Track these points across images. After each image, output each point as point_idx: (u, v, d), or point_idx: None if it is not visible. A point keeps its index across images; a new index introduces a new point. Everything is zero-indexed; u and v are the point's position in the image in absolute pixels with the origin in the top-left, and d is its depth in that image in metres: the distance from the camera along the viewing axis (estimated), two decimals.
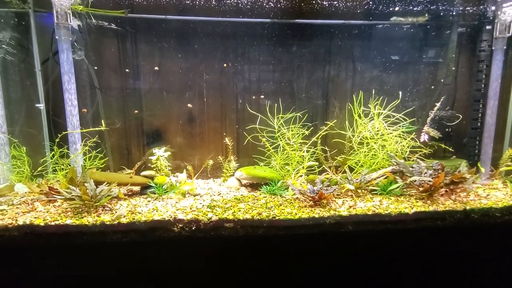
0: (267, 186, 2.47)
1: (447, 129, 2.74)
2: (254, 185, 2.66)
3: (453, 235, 2.20)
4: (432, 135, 2.64)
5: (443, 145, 2.73)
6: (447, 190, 2.33)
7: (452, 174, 2.31)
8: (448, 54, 2.81)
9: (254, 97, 2.90)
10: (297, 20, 2.77)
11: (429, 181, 2.25)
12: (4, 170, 2.44)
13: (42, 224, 1.89)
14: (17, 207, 2.11)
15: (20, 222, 1.88)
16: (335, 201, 2.27)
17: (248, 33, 2.81)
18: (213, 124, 2.96)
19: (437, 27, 2.82)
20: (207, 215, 2.00)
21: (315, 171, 2.76)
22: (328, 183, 2.32)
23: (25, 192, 2.32)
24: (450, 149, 2.72)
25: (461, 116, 2.77)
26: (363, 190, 2.40)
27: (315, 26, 2.82)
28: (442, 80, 2.85)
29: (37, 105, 2.60)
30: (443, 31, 2.83)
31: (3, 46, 2.53)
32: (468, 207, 2.17)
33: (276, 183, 2.48)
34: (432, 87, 2.89)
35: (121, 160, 2.91)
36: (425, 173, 2.35)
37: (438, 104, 2.63)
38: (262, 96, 2.84)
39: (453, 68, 2.85)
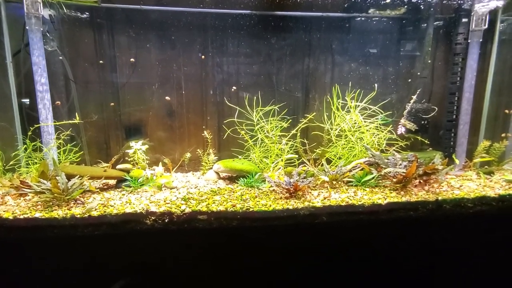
0: (245, 179, 2.47)
1: (423, 122, 2.78)
2: (233, 178, 2.66)
3: (426, 225, 2.25)
4: (409, 127, 2.68)
5: (419, 138, 2.77)
6: (421, 181, 2.37)
7: (425, 165, 2.34)
8: (425, 47, 2.84)
9: (233, 89, 2.88)
10: (276, 12, 2.75)
11: (403, 172, 2.28)
12: None
13: (11, 217, 1.86)
14: None
15: None
16: (310, 192, 2.29)
17: (227, 25, 2.78)
18: (192, 117, 2.93)
19: (414, 20, 2.84)
20: (180, 207, 1.99)
21: (295, 163, 2.77)
22: (305, 175, 2.33)
23: None
24: (426, 142, 2.77)
25: (436, 109, 2.81)
26: (339, 182, 2.42)
27: (294, 18, 2.81)
28: (418, 73, 2.89)
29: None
30: (420, 24, 2.86)
31: None
32: (440, 198, 2.21)
33: (253, 175, 2.48)
34: (409, 80, 2.92)
35: (99, 154, 2.87)
36: (400, 164, 2.38)
37: (414, 97, 2.66)
38: (234, 88, 2.81)
39: (430, 61, 2.88)
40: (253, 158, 2.75)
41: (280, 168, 2.64)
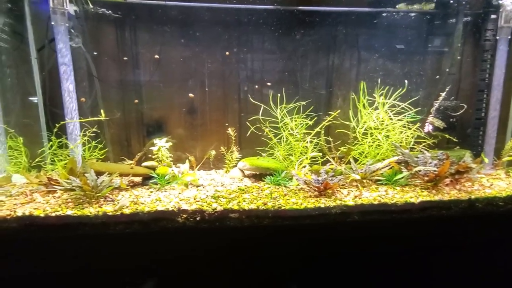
0: (271, 177, 2.44)
1: (451, 119, 2.73)
2: (257, 176, 2.63)
3: (458, 224, 2.21)
4: (437, 125, 2.62)
5: (447, 136, 2.72)
6: (452, 180, 2.32)
7: (457, 164, 2.29)
8: (454, 43, 2.78)
9: (257, 86, 2.84)
10: (301, 7, 2.70)
11: (434, 170, 2.23)
12: (1, 161, 2.36)
13: (42, 215, 1.84)
14: (15, 198, 2.05)
15: (19, 213, 1.83)
16: (340, 191, 2.25)
17: (251, 21, 2.74)
18: (215, 115, 2.90)
19: (442, 15, 2.78)
20: (211, 205, 1.96)
21: (318, 162, 2.73)
22: (333, 174, 2.29)
23: (23, 183, 2.26)
24: (454, 140, 2.71)
25: (465, 106, 2.75)
26: (368, 181, 2.38)
27: (320, 13, 2.75)
28: (447, 70, 2.82)
29: (31, 98, 2.51)
30: (449, 19, 2.79)
31: None
32: (472, 197, 2.17)
33: (280, 173, 2.45)
34: (437, 76, 2.86)
35: (121, 152, 2.85)
36: (430, 163, 2.33)
37: (443, 94, 2.60)
38: (269, 84, 2.76)
39: (458, 58, 2.82)
40: (277, 156, 2.72)
41: (305, 166, 2.60)
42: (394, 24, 2.79)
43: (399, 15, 2.76)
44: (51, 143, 2.40)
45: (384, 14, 2.75)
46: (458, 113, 2.73)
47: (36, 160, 2.43)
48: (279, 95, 2.66)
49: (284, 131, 2.67)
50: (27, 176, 2.21)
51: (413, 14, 2.76)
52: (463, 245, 2.23)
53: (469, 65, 2.88)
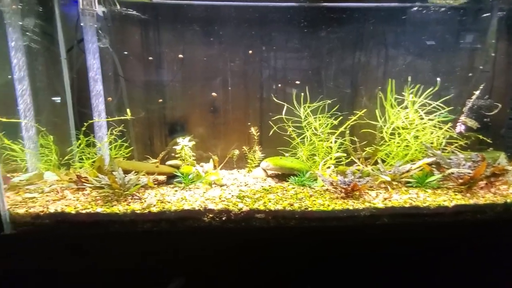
0: (295, 177, 2.40)
1: (485, 119, 2.59)
2: (280, 176, 2.59)
3: (492, 229, 2.10)
4: (470, 125, 2.50)
5: (480, 136, 2.59)
6: (487, 182, 2.21)
7: (492, 166, 2.18)
8: (488, 40, 2.64)
9: (280, 85, 2.80)
10: (326, 4, 2.64)
11: (469, 173, 2.13)
12: (33, 159, 2.44)
13: (73, 212, 1.88)
14: (47, 195, 2.11)
15: (52, 210, 1.88)
16: (368, 193, 2.18)
17: (275, 18, 2.70)
18: (238, 114, 2.89)
19: (476, 10, 2.64)
20: (237, 205, 1.95)
21: (342, 162, 2.67)
22: (360, 175, 2.22)
23: (54, 180, 2.32)
24: (488, 141, 2.58)
25: (500, 106, 2.61)
26: (397, 183, 2.30)
27: (345, 9, 2.68)
28: (480, 67, 2.69)
29: (53, 98, 2.57)
30: (482, 14, 2.65)
31: (27, 33, 2.50)
32: (508, 200, 2.05)
33: (304, 174, 2.41)
34: (470, 74, 2.73)
35: (144, 150, 2.88)
36: (464, 165, 2.23)
37: (476, 93, 2.48)
38: (297, 82, 2.71)
39: (493, 54, 2.67)
40: (300, 156, 2.67)
41: (330, 167, 2.55)
42: (424, 19, 2.68)
43: (429, 10, 2.65)
44: (79, 141, 2.46)
45: (414, 9, 2.65)
46: (492, 113, 2.59)
47: (66, 158, 2.50)
48: (302, 94, 2.61)
49: (307, 130, 2.62)
50: (58, 173, 2.27)
51: (444, 9, 2.64)
52: (498, 250, 2.11)
53: (503, 62, 2.73)
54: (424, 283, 2.11)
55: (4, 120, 2.21)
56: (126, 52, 2.69)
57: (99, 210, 1.89)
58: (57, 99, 2.62)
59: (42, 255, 1.91)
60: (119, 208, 1.90)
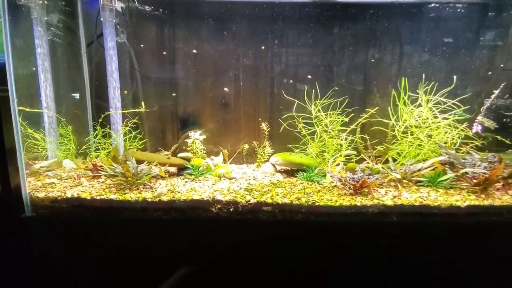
0: (304, 173, 2.40)
1: (504, 120, 2.49)
2: (289, 171, 2.60)
3: (506, 232, 2.02)
4: (487, 125, 2.41)
5: (498, 137, 2.49)
6: (504, 184, 2.13)
7: (510, 167, 2.10)
8: (509, 36, 2.53)
9: (291, 81, 2.81)
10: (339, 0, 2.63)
11: (484, 173, 2.06)
12: (53, 147, 2.57)
13: (88, 197, 1.97)
14: (64, 181, 2.21)
15: (69, 195, 1.97)
16: (377, 190, 2.15)
17: (287, 15, 2.71)
18: (248, 109, 2.91)
19: (496, 6, 2.54)
20: (245, 197, 1.98)
21: (352, 160, 2.64)
22: (369, 172, 2.20)
23: (72, 168, 2.43)
24: (507, 142, 2.47)
25: None
26: (407, 181, 2.26)
27: (359, 5, 2.65)
28: (501, 65, 2.58)
29: (73, 94, 2.68)
30: (504, 10, 2.55)
31: (51, 28, 2.63)
32: None
33: (313, 170, 2.40)
34: (490, 72, 2.63)
35: (156, 143, 2.96)
36: (479, 165, 2.16)
37: (496, 92, 2.39)
38: (309, 76, 2.70)
39: None
40: (310, 153, 2.67)
41: (339, 164, 2.53)
42: (441, 16, 2.60)
43: (447, 6, 2.57)
44: (96, 132, 2.56)
45: (431, 5, 2.58)
46: None
47: (83, 147, 2.61)
48: (313, 90, 2.61)
49: (318, 127, 2.61)
50: (76, 161, 2.38)
51: (461, 5, 2.56)
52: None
53: None
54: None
55: (27, 110, 2.34)
56: (141, 47, 2.77)
57: (112, 197, 1.97)
58: (76, 95, 2.73)
59: (60, 239, 2.02)
60: (131, 195, 1.98)
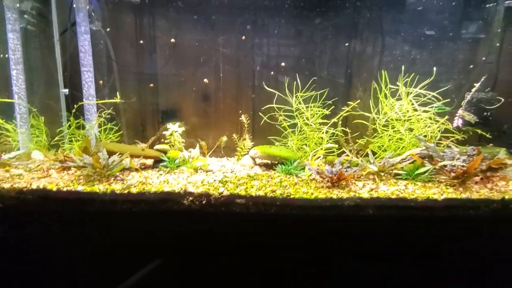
0: (283, 166, 2.35)
1: (485, 113, 2.47)
2: (269, 164, 2.55)
3: (486, 226, 2.00)
4: (468, 119, 2.39)
5: (479, 131, 2.47)
6: (483, 177, 2.10)
7: (489, 160, 2.07)
8: (492, 29, 2.51)
9: (272, 73, 2.75)
10: None
11: (463, 166, 2.03)
12: (24, 138, 2.48)
13: (54, 189, 1.89)
14: (33, 173, 2.13)
15: (34, 186, 1.90)
16: (355, 183, 2.11)
17: (268, 4, 2.65)
18: (229, 101, 2.85)
19: None
20: (218, 189, 1.92)
21: (334, 154, 2.60)
22: (348, 165, 2.15)
23: (42, 160, 2.35)
24: (488, 136, 2.45)
25: (502, 99, 2.47)
26: (386, 174, 2.22)
27: None
28: (483, 58, 2.56)
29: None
30: (487, 2, 2.52)
31: (24, 16, 2.53)
32: (507, 197, 1.94)
33: (292, 162, 2.35)
34: (471, 66, 2.60)
35: (136, 135, 2.89)
36: (458, 158, 2.13)
37: (477, 85, 2.36)
38: (282, 64, 2.64)
39: (497, 45, 2.54)
40: (290, 146, 2.62)
41: (320, 157, 2.49)
42: (423, 8, 2.56)
43: None
44: (69, 123, 2.48)
45: None
46: (494, 107, 2.46)
47: (56, 139, 2.52)
48: (294, 82, 2.55)
49: (299, 120, 2.56)
50: (45, 152, 2.29)
51: None
52: (492, 249, 2.01)
53: (509, 54, 2.58)
54: (408, 280, 2.03)
55: None
56: (117, 36, 2.69)
57: (80, 188, 1.90)
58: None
59: (26, 230, 1.94)
60: (100, 187, 1.91)
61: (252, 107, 2.85)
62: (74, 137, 2.51)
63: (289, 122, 2.59)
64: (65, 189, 1.90)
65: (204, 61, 2.77)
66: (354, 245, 2.01)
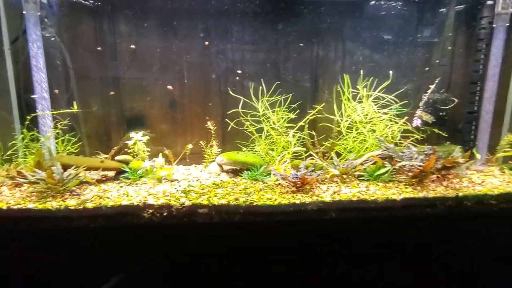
0: (249, 172, 2.34)
1: (441, 113, 2.58)
2: (237, 171, 2.53)
3: (444, 223, 2.08)
4: (425, 119, 2.49)
5: (436, 130, 2.58)
6: (439, 176, 2.19)
7: (444, 159, 2.16)
8: (444, 33, 2.63)
9: (237, 78, 2.73)
10: None
11: (420, 165, 2.11)
12: None
13: (4, 208, 1.78)
14: None
15: None
16: (319, 187, 2.14)
17: (231, 9, 2.63)
18: (195, 108, 2.81)
19: (433, 3, 2.63)
20: (179, 200, 1.87)
21: (302, 157, 2.62)
22: (313, 168, 2.18)
23: None
24: (444, 134, 2.57)
25: (456, 100, 2.60)
26: (349, 176, 2.27)
27: (303, 1, 2.63)
28: (437, 61, 2.68)
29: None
30: (440, 8, 2.64)
31: None
32: (460, 194, 2.03)
33: (258, 168, 2.35)
34: (427, 68, 2.71)
35: (100, 146, 2.77)
36: (416, 158, 2.21)
37: (432, 87, 2.47)
38: (239, 71, 2.63)
39: (449, 48, 2.67)
40: (258, 151, 2.62)
41: (286, 161, 2.50)
42: (381, 13, 2.65)
43: (386, 3, 2.62)
44: (22, 135, 2.34)
45: (371, 3, 2.61)
46: (448, 107, 2.59)
47: (8, 153, 2.38)
48: (260, 87, 2.55)
49: (266, 125, 2.57)
50: None
51: (400, 2, 2.62)
52: (450, 246, 2.10)
53: (461, 56, 2.72)
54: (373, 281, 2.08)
55: None
56: (74, 43, 2.58)
57: (30, 206, 1.80)
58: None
59: None
60: (53, 204, 1.81)
61: (222, 113, 2.82)
62: (29, 150, 2.38)
63: (256, 127, 2.58)
64: (15, 207, 1.79)
65: (167, 67, 2.71)
66: (322, 248, 2.03)
